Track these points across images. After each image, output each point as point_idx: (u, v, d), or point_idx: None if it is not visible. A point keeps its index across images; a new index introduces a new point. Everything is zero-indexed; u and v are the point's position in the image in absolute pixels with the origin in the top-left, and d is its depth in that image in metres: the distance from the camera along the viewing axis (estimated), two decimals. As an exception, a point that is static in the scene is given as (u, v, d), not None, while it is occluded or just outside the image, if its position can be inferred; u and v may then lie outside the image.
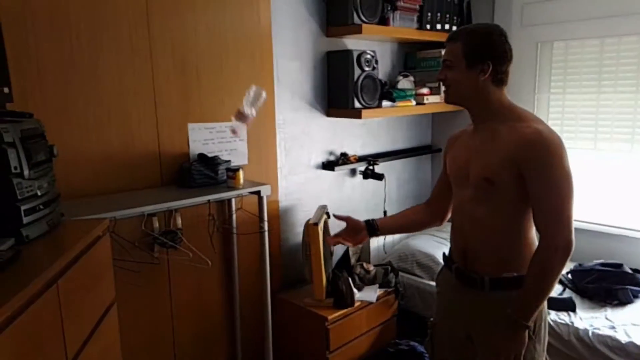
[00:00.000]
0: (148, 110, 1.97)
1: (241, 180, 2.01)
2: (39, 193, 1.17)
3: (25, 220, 1.12)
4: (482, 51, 1.42)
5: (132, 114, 1.93)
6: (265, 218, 2.13)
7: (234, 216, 2.24)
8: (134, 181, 1.95)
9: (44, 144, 1.25)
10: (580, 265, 2.73)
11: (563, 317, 2.37)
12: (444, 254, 1.69)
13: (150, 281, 2.04)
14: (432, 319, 1.71)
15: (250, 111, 1.84)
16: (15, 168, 1.10)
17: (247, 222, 2.26)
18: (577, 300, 2.49)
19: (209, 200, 1.90)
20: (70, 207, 1.56)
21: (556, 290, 2.62)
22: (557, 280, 1.37)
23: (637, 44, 2.75)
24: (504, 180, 1.39)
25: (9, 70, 1.47)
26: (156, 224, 1.93)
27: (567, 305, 2.44)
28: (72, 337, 1.08)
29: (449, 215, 1.72)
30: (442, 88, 1.54)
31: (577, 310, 2.42)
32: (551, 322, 2.33)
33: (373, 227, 1.71)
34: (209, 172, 2.00)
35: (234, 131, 1.98)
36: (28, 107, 1.64)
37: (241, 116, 1.87)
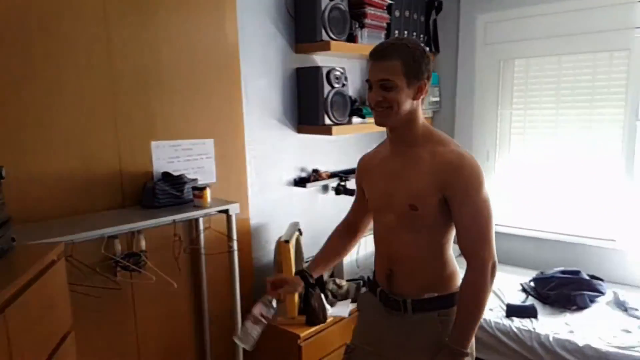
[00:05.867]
0: (108, 128, 1.91)
1: (208, 199, 1.97)
2: (-15, 217, 1.11)
3: (-30, 246, 1.05)
4: (419, 69, 1.36)
5: (91, 132, 1.86)
6: (235, 237, 2.08)
7: (202, 236, 2.18)
8: (93, 202, 1.88)
9: (-8, 165, 1.19)
10: (542, 273, 2.85)
11: (526, 323, 2.47)
12: (368, 277, 1.66)
13: (114, 307, 1.96)
14: (349, 344, 1.65)
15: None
16: (-41, 191, 1.04)
17: (216, 241, 2.21)
18: (538, 307, 2.60)
19: (174, 221, 1.84)
20: (24, 232, 1.49)
21: (519, 298, 2.75)
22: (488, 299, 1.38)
23: (592, 62, 2.87)
24: (428, 205, 1.38)
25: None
26: (118, 247, 1.86)
27: (529, 312, 2.54)
28: (20, 371, 1.01)
29: (365, 231, 1.71)
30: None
31: (539, 316, 2.52)
32: (515, 329, 2.45)
33: (306, 278, 1.61)
34: (174, 192, 1.95)
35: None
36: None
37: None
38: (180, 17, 2.09)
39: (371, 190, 1.56)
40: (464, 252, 1.39)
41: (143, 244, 1.91)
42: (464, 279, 1.39)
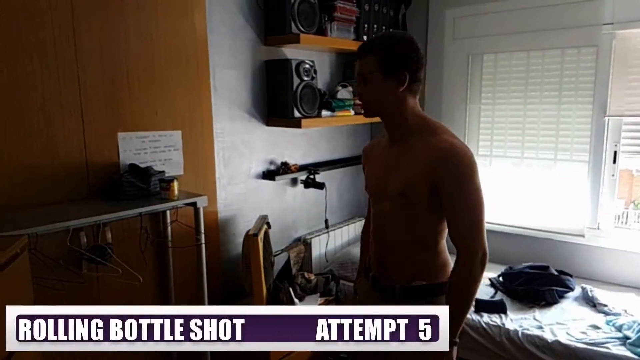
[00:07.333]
0: (74, 119, 1.86)
1: (175, 192, 1.95)
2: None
3: None
4: (397, 61, 1.40)
5: (56, 122, 1.81)
6: (202, 230, 2.07)
7: (169, 229, 2.16)
8: (58, 194, 1.84)
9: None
10: (510, 268, 2.83)
11: (495, 319, 2.44)
12: (363, 263, 1.71)
13: (79, 300, 1.92)
14: None
15: None
16: None
17: (183, 234, 2.19)
18: (507, 302, 2.57)
19: (140, 213, 1.82)
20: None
21: (488, 293, 2.70)
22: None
23: (559, 57, 2.90)
24: (419, 194, 1.40)
25: None
26: (84, 239, 1.82)
27: (498, 308, 2.51)
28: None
29: None
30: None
31: (508, 312, 2.49)
32: (484, 325, 2.42)
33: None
34: (141, 184, 1.92)
35: None
36: None
37: None
38: (148, 7, 2.05)
39: (369, 178, 1.61)
40: (455, 241, 1.39)
41: (109, 236, 1.87)
42: (454, 269, 1.40)
